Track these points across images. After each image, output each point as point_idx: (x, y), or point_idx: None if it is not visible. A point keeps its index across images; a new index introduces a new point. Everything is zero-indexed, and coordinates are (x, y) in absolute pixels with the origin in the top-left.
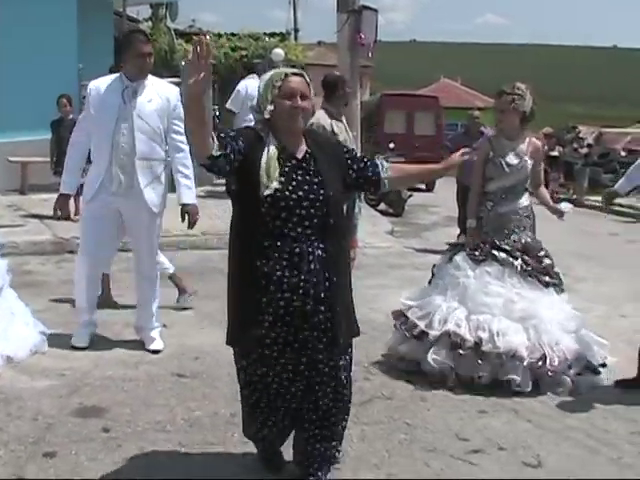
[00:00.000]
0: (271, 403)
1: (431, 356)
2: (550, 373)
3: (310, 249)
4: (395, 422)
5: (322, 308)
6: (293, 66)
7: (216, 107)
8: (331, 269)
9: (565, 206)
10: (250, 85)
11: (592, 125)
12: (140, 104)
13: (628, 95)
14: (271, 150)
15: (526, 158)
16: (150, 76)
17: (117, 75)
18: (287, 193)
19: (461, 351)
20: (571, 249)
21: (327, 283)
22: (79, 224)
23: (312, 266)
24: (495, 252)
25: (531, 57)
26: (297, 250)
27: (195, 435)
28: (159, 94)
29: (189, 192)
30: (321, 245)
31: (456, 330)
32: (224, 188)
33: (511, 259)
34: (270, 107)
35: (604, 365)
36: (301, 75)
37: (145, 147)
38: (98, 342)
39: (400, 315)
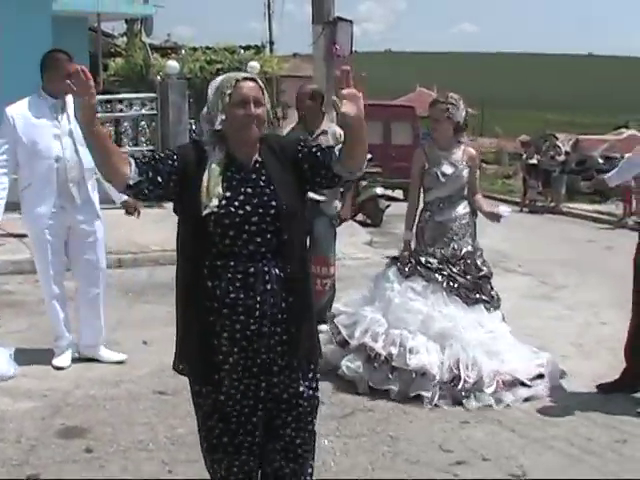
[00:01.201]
0: (233, 438)
1: (345, 363)
2: (464, 393)
3: (266, 268)
4: (378, 435)
5: (279, 330)
6: (268, 78)
7: (192, 121)
8: (289, 289)
9: (504, 210)
10: None
11: (569, 132)
12: (72, 118)
13: (605, 102)
14: (213, 165)
15: (461, 167)
16: None
17: (33, 96)
18: (232, 209)
19: (375, 364)
20: (550, 257)
21: (284, 304)
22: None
23: (268, 286)
24: (420, 269)
25: (507, 65)
26: (251, 270)
27: (178, 453)
28: None
29: None
30: (279, 264)
31: (372, 344)
32: None
33: (436, 275)
34: (222, 117)
35: (541, 376)
36: (253, 80)
37: (87, 157)
38: (79, 361)
39: (332, 319)
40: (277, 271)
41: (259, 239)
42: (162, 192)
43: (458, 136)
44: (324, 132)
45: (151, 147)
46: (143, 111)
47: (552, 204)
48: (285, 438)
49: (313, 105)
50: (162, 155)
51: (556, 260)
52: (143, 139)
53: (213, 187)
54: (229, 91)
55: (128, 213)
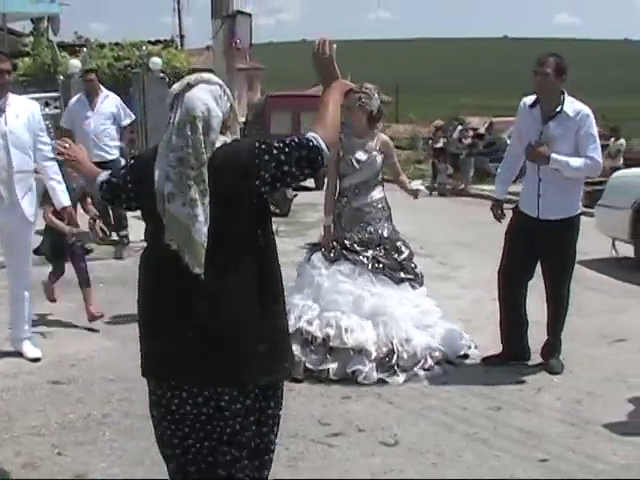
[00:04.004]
0: None
1: None
2: (397, 368)
3: None
4: None
5: None
6: (178, 73)
7: None
8: None
9: (416, 184)
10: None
11: (483, 115)
12: (10, 120)
13: (520, 84)
14: None
15: (375, 153)
16: (9, 93)
17: None
18: None
19: (312, 347)
20: (453, 238)
21: None
22: None
23: None
24: (345, 252)
25: (423, 51)
26: None
27: (68, 436)
28: (23, 109)
29: (66, 196)
30: None
31: (307, 328)
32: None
33: (361, 257)
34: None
35: (465, 356)
36: None
37: (20, 160)
38: None
39: None
40: None
41: None
42: None
43: (373, 125)
44: None
45: None
46: (47, 110)
47: (461, 186)
48: None
49: None
50: None
51: (458, 241)
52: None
53: None
54: None
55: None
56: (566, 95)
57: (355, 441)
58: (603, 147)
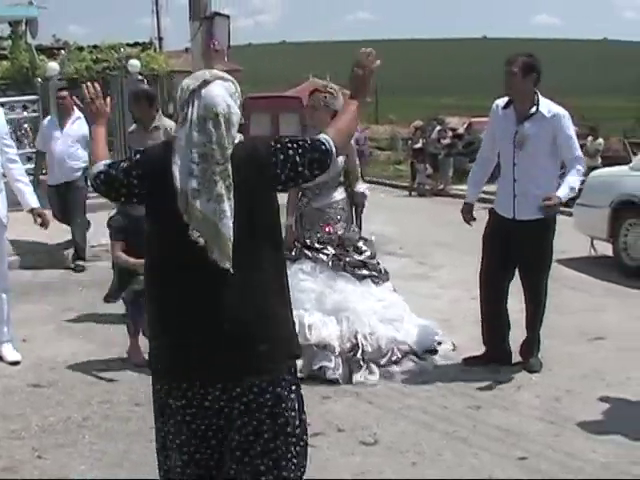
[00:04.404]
0: None
1: None
2: (362, 362)
3: None
4: None
5: None
6: (156, 75)
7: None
8: None
9: (359, 187)
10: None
11: (462, 115)
12: None
13: (499, 85)
14: None
15: None
16: None
17: None
18: None
19: None
20: (433, 238)
21: None
22: None
23: None
24: (306, 251)
25: (402, 52)
26: None
27: (48, 440)
28: None
29: (34, 197)
30: None
31: None
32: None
33: (321, 255)
34: None
35: (434, 351)
36: None
37: None
38: None
39: None
40: None
41: None
42: None
43: None
44: (157, 127)
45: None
46: (25, 113)
47: (441, 186)
48: None
49: (142, 105)
50: None
51: (437, 241)
52: (26, 141)
53: None
54: None
55: (36, 222)
56: (540, 96)
57: (335, 441)
58: (581, 147)
